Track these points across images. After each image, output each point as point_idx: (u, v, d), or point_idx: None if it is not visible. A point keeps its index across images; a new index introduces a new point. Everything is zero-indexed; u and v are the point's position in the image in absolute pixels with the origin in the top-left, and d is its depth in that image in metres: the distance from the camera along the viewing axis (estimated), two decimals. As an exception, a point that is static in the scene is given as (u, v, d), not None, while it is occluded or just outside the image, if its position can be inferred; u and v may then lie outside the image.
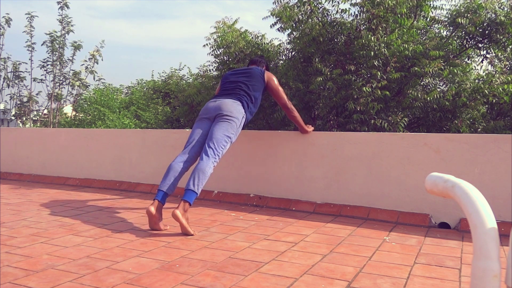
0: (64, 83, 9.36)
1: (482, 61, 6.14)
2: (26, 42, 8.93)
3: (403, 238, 2.51)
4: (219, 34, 6.72)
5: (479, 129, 5.33)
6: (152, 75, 17.03)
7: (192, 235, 2.47)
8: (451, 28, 5.82)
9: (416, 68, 4.87)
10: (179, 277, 1.79)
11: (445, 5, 15.26)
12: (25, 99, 9.31)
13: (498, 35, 5.41)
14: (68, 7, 9.03)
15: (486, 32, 5.50)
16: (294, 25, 5.55)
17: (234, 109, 2.82)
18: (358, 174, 3.15)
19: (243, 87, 2.95)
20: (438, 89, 5.46)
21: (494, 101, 5.15)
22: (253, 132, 3.61)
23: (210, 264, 1.97)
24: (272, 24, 5.71)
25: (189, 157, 2.75)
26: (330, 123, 5.38)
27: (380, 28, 5.03)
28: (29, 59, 9.08)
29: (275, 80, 3.10)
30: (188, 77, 11.51)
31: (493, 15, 5.41)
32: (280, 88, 3.11)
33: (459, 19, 5.29)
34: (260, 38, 6.74)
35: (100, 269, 1.87)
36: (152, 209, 2.50)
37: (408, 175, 2.99)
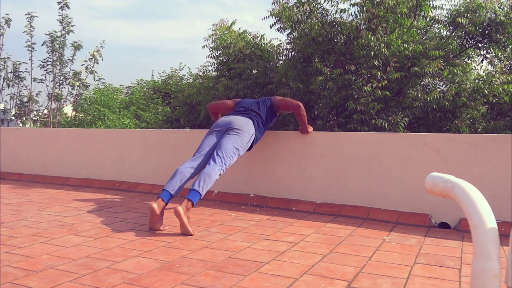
0: (64, 83, 9.37)
1: (482, 61, 6.15)
2: (26, 42, 8.95)
3: (403, 238, 2.51)
4: (217, 36, 6.73)
5: (479, 129, 5.34)
6: (152, 75, 16.75)
7: (191, 235, 2.47)
8: (451, 28, 5.82)
9: (416, 68, 4.87)
10: (179, 277, 1.79)
11: (445, 5, 15.26)
12: (25, 99, 9.32)
13: (498, 35, 5.41)
14: (68, 7, 9.05)
15: (486, 32, 5.50)
16: (293, 25, 5.56)
17: (245, 125, 2.94)
18: (358, 174, 3.15)
19: (255, 109, 3.14)
20: (438, 89, 5.46)
21: (494, 101, 5.15)
22: (253, 132, 3.61)
23: (210, 264, 1.97)
24: (272, 24, 5.72)
25: (197, 164, 2.79)
26: (330, 123, 5.38)
27: (380, 28, 5.03)
28: (29, 59, 9.09)
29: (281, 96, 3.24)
30: (188, 77, 11.52)
31: (493, 15, 5.42)
32: (287, 97, 3.24)
33: (459, 19, 5.29)
34: (259, 38, 6.75)
35: (100, 269, 1.87)
36: (155, 206, 2.50)
37: (408, 175, 2.99)
